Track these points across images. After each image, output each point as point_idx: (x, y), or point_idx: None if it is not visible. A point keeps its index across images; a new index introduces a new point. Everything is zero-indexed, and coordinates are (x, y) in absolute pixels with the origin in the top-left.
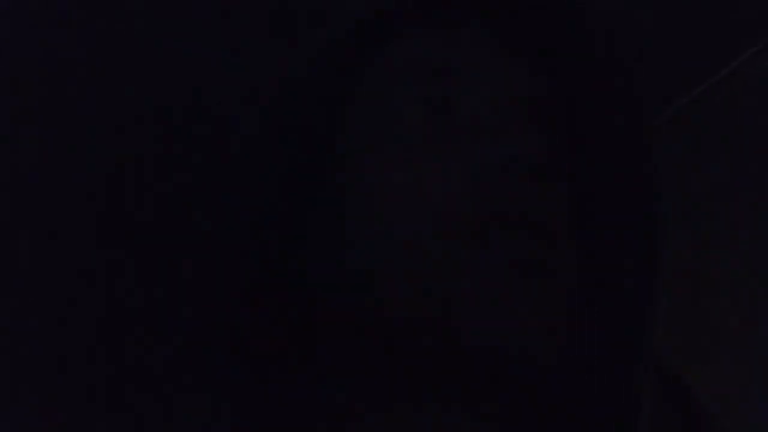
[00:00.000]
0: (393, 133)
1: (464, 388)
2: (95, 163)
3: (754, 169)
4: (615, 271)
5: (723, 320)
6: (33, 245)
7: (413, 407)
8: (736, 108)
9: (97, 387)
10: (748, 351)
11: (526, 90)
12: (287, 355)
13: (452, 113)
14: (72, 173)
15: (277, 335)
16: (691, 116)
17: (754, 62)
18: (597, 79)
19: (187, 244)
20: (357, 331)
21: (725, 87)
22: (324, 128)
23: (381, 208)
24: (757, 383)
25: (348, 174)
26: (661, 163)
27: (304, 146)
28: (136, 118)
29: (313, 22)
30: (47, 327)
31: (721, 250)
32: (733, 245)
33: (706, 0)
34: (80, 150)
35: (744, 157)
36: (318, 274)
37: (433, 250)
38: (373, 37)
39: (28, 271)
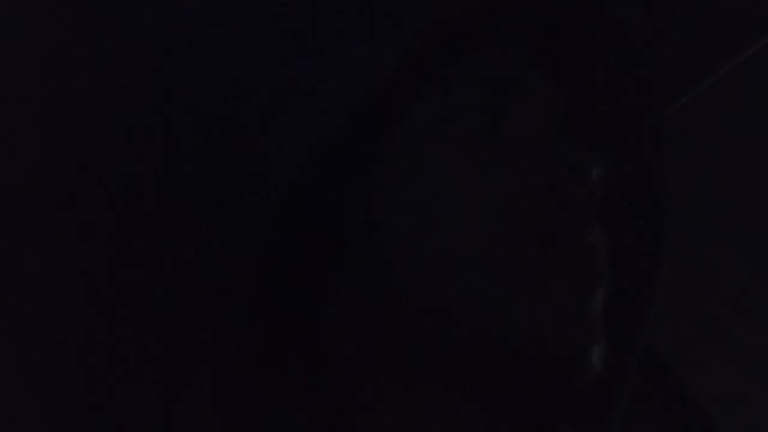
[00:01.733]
0: (451, 134)
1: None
2: (95, 164)
3: (756, 170)
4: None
5: (724, 322)
6: (32, 246)
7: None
8: (737, 108)
9: (96, 387)
10: (748, 352)
11: (564, 108)
12: (292, 350)
13: (508, 124)
14: (71, 173)
15: (281, 329)
16: (691, 116)
17: (754, 61)
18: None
19: (188, 241)
20: (371, 322)
21: (725, 87)
22: (389, 115)
23: (427, 204)
24: (757, 384)
25: (402, 165)
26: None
27: (362, 128)
28: (142, 119)
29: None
30: (46, 327)
31: (721, 251)
32: (734, 246)
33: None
34: (80, 151)
35: (745, 157)
36: (353, 259)
37: (467, 258)
38: (444, 50)
39: (28, 271)
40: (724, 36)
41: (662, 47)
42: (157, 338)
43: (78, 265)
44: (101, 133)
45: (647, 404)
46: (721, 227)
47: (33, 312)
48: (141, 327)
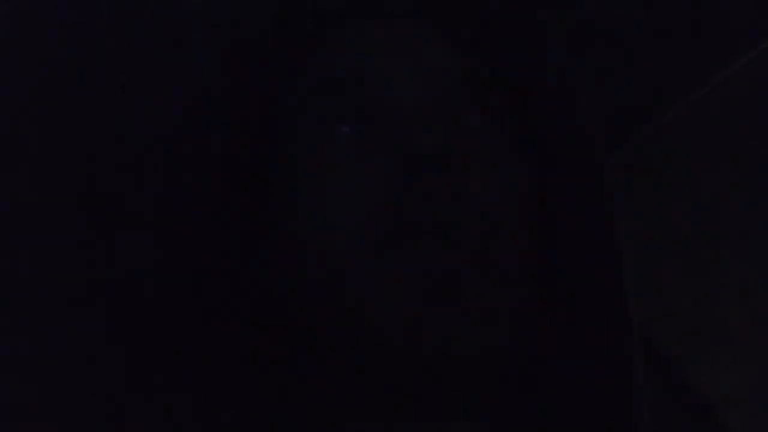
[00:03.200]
0: (321, 149)
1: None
2: (95, 163)
3: (760, 168)
4: (575, 264)
5: (727, 318)
6: (32, 246)
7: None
8: (740, 109)
9: (96, 388)
10: (751, 349)
11: (459, 73)
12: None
13: (372, 121)
14: (71, 173)
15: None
16: (694, 115)
17: (756, 64)
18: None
19: (185, 246)
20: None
21: (730, 89)
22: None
23: (317, 221)
24: (760, 380)
25: (289, 192)
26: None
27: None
28: (136, 119)
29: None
30: (46, 327)
31: (725, 249)
32: (738, 244)
33: (706, 2)
34: (80, 151)
35: (750, 156)
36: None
37: (353, 263)
38: (288, 54)
39: (28, 272)
40: (725, 38)
41: (664, 49)
42: (157, 338)
43: (77, 264)
44: (101, 133)
45: (651, 400)
46: (726, 225)
47: (32, 312)
48: (141, 327)
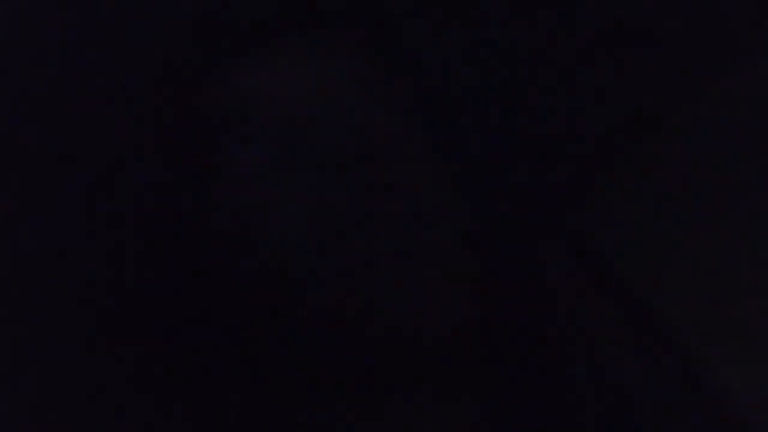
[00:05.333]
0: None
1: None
2: (94, 163)
3: (764, 169)
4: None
5: (747, 320)
6: (32, 246)
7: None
8: (744, 108)
9: (96, 390)
10: (762, 347)
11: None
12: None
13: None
14: (71, 172)
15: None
16: (699, 116)
17: (762, 66)
18: None
19: (184, 244)
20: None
21: (733, 91)
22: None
23: (255, 225)
24: None
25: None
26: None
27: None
28: (133, 117)
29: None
30: (47, 329)
31: (744, 251)
32: (757, 246)
33: (708, 4)
34: (79, 150)
35: (754, 155)
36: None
37: (294, 263)
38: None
39: (28, 271)
40: (728, 40)
41: (667, 51)
42: (157, 338)
43: (78, 265)
44: (101, 132)
45: (671, 401)
46: (743, 227)
47: (33, 312)
48: (141, 327)
